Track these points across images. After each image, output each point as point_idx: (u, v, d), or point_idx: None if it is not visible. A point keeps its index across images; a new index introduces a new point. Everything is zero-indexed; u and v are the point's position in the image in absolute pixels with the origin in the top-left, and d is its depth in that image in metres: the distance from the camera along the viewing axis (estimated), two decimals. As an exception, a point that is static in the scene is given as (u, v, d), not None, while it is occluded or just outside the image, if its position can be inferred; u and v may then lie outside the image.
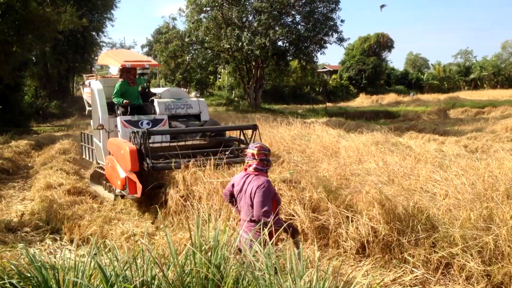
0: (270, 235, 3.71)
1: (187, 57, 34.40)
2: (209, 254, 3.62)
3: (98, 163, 10.12)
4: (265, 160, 4.34)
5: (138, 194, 7.41)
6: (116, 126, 9.34)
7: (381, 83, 57.70)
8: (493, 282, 4.34)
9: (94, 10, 33.52)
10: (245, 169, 4.44)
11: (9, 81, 22.87)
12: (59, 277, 3.52)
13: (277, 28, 28.92)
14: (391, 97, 43.67)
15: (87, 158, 11.40)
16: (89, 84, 10.57)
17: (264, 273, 3.35)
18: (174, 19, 35.33)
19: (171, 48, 31.62)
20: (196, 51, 32.98)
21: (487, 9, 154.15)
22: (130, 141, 8.03)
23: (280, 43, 31.53)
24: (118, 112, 9.55)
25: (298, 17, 31.16)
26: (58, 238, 7.08)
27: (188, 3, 30.76)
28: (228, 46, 28.85)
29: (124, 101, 9.49)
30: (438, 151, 11.02)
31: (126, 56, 10.41)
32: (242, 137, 8.89)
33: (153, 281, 3.46)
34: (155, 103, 10.03)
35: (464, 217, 4.94)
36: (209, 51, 32.13)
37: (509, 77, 64.98)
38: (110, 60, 10.57)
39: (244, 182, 4.34)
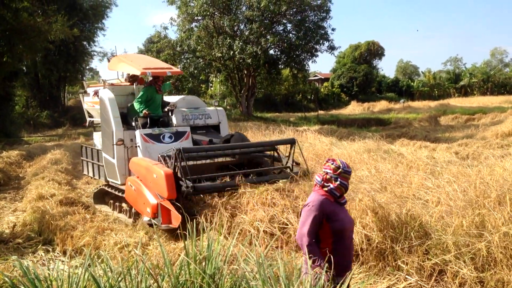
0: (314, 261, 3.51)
1: (179, 66, 34.44)
2: (204, 264, 3.62)
3: (108, 182, 9.20)
4: (328, 173, 3.70)
5: (175, 225, 6.38)
6: (132, 140, 8.53)
7: (372, 91, 58.02)
8: (486, 288, 4.37)
9: (85, 20, 33.51)
10: None
11: (0, 91, 22.76)
12: (53, 289, 3.49)
13: (268, 37, 29.04)
14: (382, 105, 43.90)
15: (91, 175, 10.31)
16: (95, 93, 9.73)
17: (258, 283, 3.35)
18: (165, 28, 35.34)
19: (163, 57, 31.62)
20: (187, 60, 33.02)
21: (475, 17, 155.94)
22: (160, 162, 7.25)
23: (271, 51, 31.67)
24: (136, 124, 8.60)
25: (289, 26, 31.34)
26: (50, 249, 7.03)
27: (180, 12, 30.83)
28: (219, 54, 28.92)
29: (144, 111, 8.56)
30: (430, 158, 11.10)
31: (144, 62, 9.38)
32: (275, 153, 8.26)
33: (147, 292, 3.45)
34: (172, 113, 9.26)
35: (456, 224, 4.98)
36: (201, 60, 32.19)
37: (498, 84, 65.59)
38: (125, 66, 9.35)
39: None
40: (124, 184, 8.30)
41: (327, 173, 3.70)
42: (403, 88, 61.73)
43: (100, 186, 9.67)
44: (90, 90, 10.28)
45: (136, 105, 8.69)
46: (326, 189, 3.68)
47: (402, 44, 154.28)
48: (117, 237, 7.06)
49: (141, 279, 3.52)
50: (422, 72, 75.16)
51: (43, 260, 6.50)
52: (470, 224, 4.92)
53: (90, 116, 10.68)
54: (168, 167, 6.99)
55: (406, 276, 4.78)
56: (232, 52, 28.23)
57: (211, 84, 47.51)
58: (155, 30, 40.06)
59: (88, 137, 22.06)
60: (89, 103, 10.40)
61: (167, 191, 6.59)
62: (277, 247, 5.05)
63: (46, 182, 11.08)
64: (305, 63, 32.00)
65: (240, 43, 28.01)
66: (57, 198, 9.47)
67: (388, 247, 5.09)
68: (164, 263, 3.71)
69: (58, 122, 30.74)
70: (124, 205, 8.70)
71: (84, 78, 39.26)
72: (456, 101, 46.71)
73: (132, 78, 9.66)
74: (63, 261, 6.31)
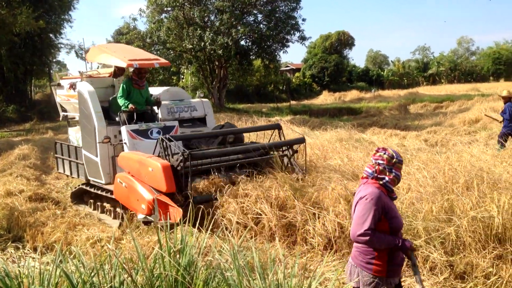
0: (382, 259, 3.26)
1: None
2: (178, 256, 3.61)
3: (88, 181, 8.71)
4: (380, 164, 3.38)
5: (175, 220, 5.77)
6: (115, 136, 8.06)
7: (343, 80, 58.59)
8: (456, 271, 4.48)
9: (51, 12, 32.63)
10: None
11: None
12: (24, 287, 3.42)
13: (239, 27, 28.89)
14: (353, 94, 44.38)
15: (67, 173, 9.78)
16: (71, 86, 9.11)
17: (233, 273, 3.36)
18: (134, 19, 34.77)
19: (133, 49, 31.16)
20: (158, 52, 32.56)
21: (442, 6, 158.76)
22: (155, 154, 6.79)
23: (242, 42, 31.54)
24: (120, 119, 8.10)
25: (260, 16, 31.23)
26: (20, 246, 6.89)
27: (149, 3, 30.35)
28: (190, 46, 28.64)
29: (130, 105, 8.00)
30: (400, 145, 11.31)
31: (128, 53, 8.79)
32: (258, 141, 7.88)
33: (121, 287, 3.41)
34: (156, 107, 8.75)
35: (426, 209, 5.09)
36: (171, 52, 31.81)
37: (465, 72, 67.10)
38: (107, 57, 8.62)
39: (356, 192, 3.53)
40: (109, 184, 7.97)
41: (379, 164, 3.38)
42: (373, 77, 62.53)
43: (79, 185, 9.18)
44: (65, 83, 9.69)
45: (120, 101, 8.12)
46: (381, 182, 3.36)
47: (371, 34, 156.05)
48: (89, 232, 6.96)
49: (114, 273, 3.48)
50: (391, 61, 76.33)
51: (13, 257, 6.37)
52: (439, 209, 5.03)
53: (64, 110, 10.12)
54: (165, 156, 6.57)
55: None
56: (202, 43, 28.00)
57: (182, 76, 47.09)
58: (124, 22, 39.45)
59: (56, 131, 21.62)
60: (62, 97, 9.83)
61: (166, 184, 6.15)
62: (251, 238, 5.07)
63: (14, 178, 10.84)
64: (276, 53, 31.98)
65: (211, 34, 27.79)
66: (26, 194, 9.28)
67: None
68: (138, 257, 3.68)
69: (25, 117, 29.96)
70: (106, 205, 8.36)
71: (51, 71, 38.41)
72: (424, 90, 47.59)
73: (119, 71, 9.16)
74: (34, 258, 6.19)
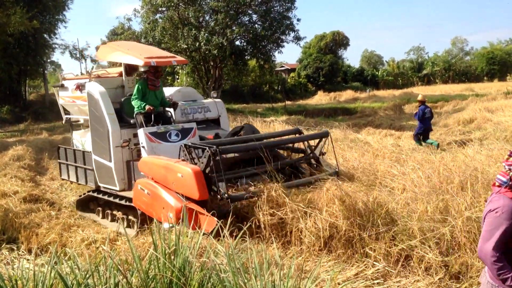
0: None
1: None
2: (173, 258, 3.60)
3: (98, 187, 8.31)
4: None
5: (208, 230, 5.13)
6: (129, 140, 7.60)
7: (338, 80, 58.64)
8: (451, 272, 4.49)
9: (45, 12, 32.53)
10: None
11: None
12: (18, 289, 3.41)
13: (234, 28, 28.87)
14: (348, 94, 44.45)
15: (73, 180, 9.25)
16: (77, 87, 8.64)
17: (228, 275, 3.35)
18: (129, 19, 34.72)
19: (127, 49, 31.09)
20: (153, 52, 32.53)
21: (437, 6, 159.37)
22: (181, 158, 6.42)
23: (237, 42, 31.50)
24: (136, 121, 7.66)
25: (255, 16, 31.21)
26: (15, 248, 6.86)
27: (143, 4, 30.27)
28: (185, 46, 28.58)
29: (147, 106, 7.58)
30: (395, 146, 11.34)
31: (142, 50, 8.41)
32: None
33: (116, 288, 3.40)
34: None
35: (421, 210, 5.10)
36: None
37: (459, 72, 67.34)
38: (121, 56, 8.17)
39: (486, 201, 3.11)
40: (123, 190, 7.67)
41: None
42: (368, 77, 62.62)
43: (87, 192, 8.71)
44: (69, 84, 9.19)
45: (135, 102, 7.69)
46: None
47: (366, 34, 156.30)
48: (84, 233, 6.95)
49: (109, 275, 3.47)
50: (386, 61, 76.43)
51: (7, 259, 6.33)
52: (434, 209, 5.05)
53: (67, 113, 9.65)
54: (192, 162, 6.22)
55: (374, 263, 4.86)
56: (197, 43, 27.96)
57: (177, 76, 47.04)
58: (119, 22, 39.39)
59: (51, 132, 21.55)
60: (66, 99, 9.32)
61: (198, 192, 5.69)
62: (245, 239, 5.05)
63: (8, 179, 10.78)
64: (271, 53, 31.97)
65: (206, 34, 27.76)
66: (21, 195, 9.25)
67: (356, 234, 5.16)
68: (133, 258, 3.67)
69: (19, 117, 29.84)
70: (117, 213, 7.96)
71: (45, 72, 38.25)
72: (419, 90, 47.67)
73: (130, 71, 8.77)
74: (28, 260, 6.15)
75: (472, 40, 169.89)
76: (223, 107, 9.13)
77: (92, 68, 10.19)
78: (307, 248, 5.36)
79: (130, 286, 3.37)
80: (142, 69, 8.06)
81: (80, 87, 8.60)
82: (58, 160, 9.68)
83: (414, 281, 4.52)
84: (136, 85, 7.83)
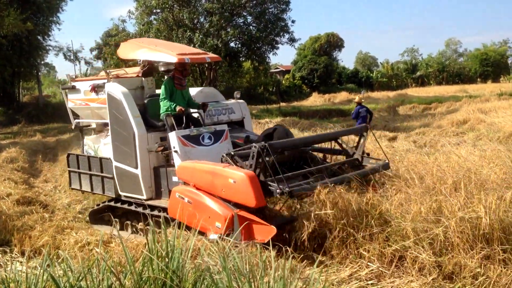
0: None
1: (139, 60, 33.83)
2: (167, 259, 3.59)
3: (120, 196, 7.74)
4: None
5: (264, 239, 5.02)
6: (157, 143, 7.15)
7: (333, 82, 58.77)
8: (444, 272, 4.50)
9: (39, 13, 32.44)
10: None
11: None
12: (10, 292, 3.39)
13: (229, 29, 28.89)
14: (343, 96, 44.55)
15: (87, 189, 8.53)
16: (93, 88, 8.07)
17: (222, 276, 3.35)
18: (123, 21, 34.61)
19: (122, 50, 31.01)
20: (147, 54, 32.49)
21: (431, 8, 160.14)
22: (224, 162, 5.87)
23: (232, 44, 31.51)
24: (167, 123, 7.14)
25: (249, 18, 31.25)
26: (8, 251, 6.82)
27: (138, 5, 30.24)
28: (180, 48, 28.59)
29: (178, 107, 7.06)
30: (389, 147, 11.37)
31: (170, 47, 7.88)
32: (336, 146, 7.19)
33: (109, 291, 3.39)
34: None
35: (415, 210, 5.11)
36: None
37: (453, 74, 67.65)
38: (148, 53, 7.62)
39: None
40: (150, 199, 7.20)
41: None
42: (363, 79, 62.81)
43: (103, 202, 8.22)
44: (82, 85, 8.59)
45: (165, 103, 7.19)
46: None
47: (361, 36, 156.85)
48: (77, 235, 6.92)
49: (102, 277, 3.46)
50: (380, 63, 76.77)
51: (0, 262, 6.30)
52: (428, 210, 5.05)
53: (76, 117, 9.07)
54: (235, 164, 5.75)
55: (368, 263, 4.87)
56: (192, 45, 27.93)
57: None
58: (113, 24, 39.31)
59: (44, 134, 21.47)
60: (78, 101, 8.70)
61: (255, 198, 5.21)
62: (240, 241, 5.05)
63: (1, 182, 10.74)
64: (266, 55, 32.03)
65: (200, 36, 27.76)
66: (14, 197, 9.20)
67: (350, 235, 5.17)
68: (126, 260, 3.66)
69: (13, 119, 29.71)
70: (140, 224, 7.38)
71: (39, 73, 38.11)
72: (413, 91, 47.93)
73: (149, 70, 8.19)
74: (21, 262, 6.13)
75: (466, 42, 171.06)
76: (246, 108, 8.72)
77: (86, 70, 10.05)
78: (301, 249, 5.36)
79: (123, 288, 3.36)
80: (162, 68, 7.57)
81: (97, 89, 8.05)
82: (69, 169, 8.97)
83: (408, 281, 4.53)
84: (163, 85, 7.32)
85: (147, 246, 3.67)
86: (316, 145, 7.35)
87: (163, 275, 3.45)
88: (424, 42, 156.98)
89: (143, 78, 8.16)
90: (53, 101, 37.67)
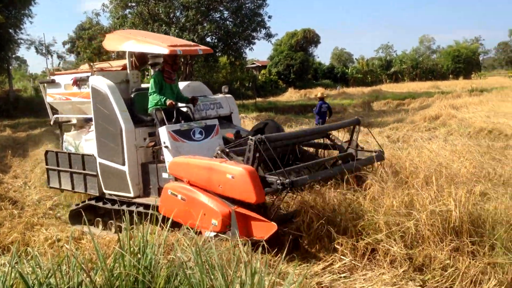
0: None
1: (113, 54, 33.36)
2: (139, 256, 3.55)
3: (104, 194, 7.44)
4: None
5: (263, 236, 4.90)
6: (145, 139, 6.99)
7: (309, 78, 59.09)
8: (415, 264, 4.58)
9: (11, 6, 31.60)
10: None
11: None
12: (-24, 290, 3.31)
13: (205, 24, 28.71)
14: (318, 91, 44.77)
15: (68, 188, 8.13)
16: (75, 82, 7.76)
17: (195, 271, 3.33)
18: (97, 14, 34.00)
19: (95, 44, 30.49)
20: (122, 48, 32.05)
21: (406, 6, 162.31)
22: (219, 158, 5.63)
23: (208, 39, 31.31)
24: (157, 118, 6.87)
25: (226, 13, 31.11)
26: (-25, 248, 6.65)
27: (112, -2, 29.79)
28: (155, 42, 28.29)
29: (168, 101, 6.82)
30: (364, 142, 11.47)
31: (159, 38, 7.59)
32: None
33: (80, 287, 3.34)
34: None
35: (387, 204, 5.17)
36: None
37: (426, 70, 68.75)
38: (137, 44, 7.24)
39: None
40: (137, 197, 6.95)
41: None
42: (338, 75, 63.32)
43: (86, 201, 7.83)
44: (62, 79, 8.25)
45: (154, 97, 6.94)
46: None
47: (336, 32, 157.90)
48: (47, 232, 6.80)
49: (72, 274, 3.40)
50: (356, 59, 77.44)
51: (-32, 260, 6.15)
52: (400, 204, 5.12)
53: (55, 112, 8.70)
54: (230, 159, 5.56)
55: (341, 257, 4.92)
56: (167, 39, 27.72)
57: (147, 73, 46.53)
58: (87, 17, 38.61)
59: (14, 130, 21.00)
60: (57, 96, 8.35)
61: (255, 194, 5.01)
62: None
63: (-31, 178, 10.46)
64: (242, 50, 31.95)
65: (176, 31, 27.49)
66: (-18, 194, 8.97)
67: (325, 230, 5.20)
68: (97, 257, 3.60)
69: (-18, 115, 28.98)
70: (124, 224, 6.94)
71: (10, 67, 37.23)
72: (387, 87, 48.51)
73: (140, 63, 7.88)
74: (-11, 260, 6.00)
75: (439, 39, 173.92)
76: (234, 103, 8.54)
77: (58, 64, 9.80)
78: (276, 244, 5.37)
79: (93, 284, 3.30)
80: (150, 61, 7.35)
81: (79, 82, 7.76)
82: (47, 167, 8.57)
83: (380, 273, 4.59)
84: (152, 78, 7.11)
85: (118, 242, 3.61)
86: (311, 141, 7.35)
87: (135, 271, 3.41)
88: (398, 39, 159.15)
89: (128, 72, 7.82)
90: (24, 95, 36.85)
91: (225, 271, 3.33)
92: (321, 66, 65.95)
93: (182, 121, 6.84)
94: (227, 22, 30.92)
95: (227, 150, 5.67)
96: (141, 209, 6.62)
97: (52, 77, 8.46)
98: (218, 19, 30.96)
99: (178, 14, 29.96)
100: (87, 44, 31.43)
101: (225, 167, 5.30)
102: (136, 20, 29.05)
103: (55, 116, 8.61)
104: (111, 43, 8.00)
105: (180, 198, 5.73)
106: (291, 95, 44.87)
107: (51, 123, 8.71)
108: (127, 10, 30.44)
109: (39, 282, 3.26)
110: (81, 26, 41.59)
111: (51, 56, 42.49)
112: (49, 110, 8.72)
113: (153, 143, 6.66)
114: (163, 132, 6.48)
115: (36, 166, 11.76)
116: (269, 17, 31.51)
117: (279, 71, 55.72)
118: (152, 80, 7.03)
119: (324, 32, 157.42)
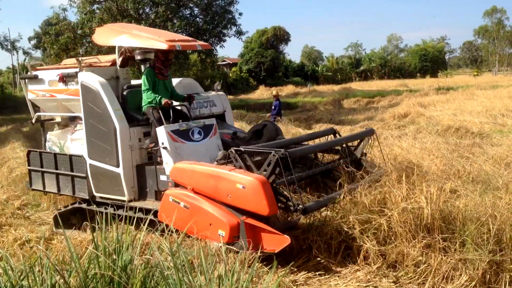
0: None
1: (81, 50, 32.70)
2: (114, 256, 3.50)
3: (94, 197, 7.00)
4: None
5: (275, 249, 4.66)
6: (139, 140, 6.64)
7: (280, 75, 59.36)
8: (388, 261, 4.66)
9: (-27, -1, 30.63)
10: None
11: None
12: None
13: (175, 21, 28.46)
14: (289, 89, 45.07)
15: (54, 190, 7.71)
16: (61, 78, 7.32)
17: (172, 272, 3.30)
18: (64, 9, 33.20)
19: (63, 40, 29.81)
20: (90, 44, 31.44)
21: (374, 4, 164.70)
22: (226, 164, 5.36)
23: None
24: (153, 117, 6.50)
25: (196, 10, 30.92)
26: None
27: (80, -7, 29.18)
28: (124, 38, 27.86)
29: (164, 100, 6.50)
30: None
31: (153, 33, 7.19)
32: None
33: (53, 289, 3.27)
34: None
35: (360, 202, 5.24)
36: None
37: (394, 68, 70.03)
38: (131, 39, 6.82)
39: None
40: (133, 200, 6.58)
41: None
42: (309, 72, 63.84)
43: (73, 204, 7.40)
44: (46, 75, 7.80)
45: (149, 95, 6.62)
46: None
47: (306, 30, 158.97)
48: (16, 232, 6.63)
49: (46, 275, 3.33)
50: (326, 57, 78.24)
51: None
52: (372, 201, 5.20)
53: (37, 110, 8.23)
54: (246, 167, 5.21)
55: (315, 253, 4.95)
56: (137, 36, 27.34)
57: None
58: (53, 12, 37.61)
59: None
60: (41, 93, 7.89)
61: (268, 206, 4.75)
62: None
63: None
64: (213, 48, 31.83)
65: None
66: None
67: (300, 230, 5.23)
68: (71, 257, 3.53)
69: None
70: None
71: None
72: (357, 85, 49.21)
73: (130, 58, 7.41)
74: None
75: (407, 38, 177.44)
76: (227, 100, 8.21)
77: (24, 60, 9.47)
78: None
79: (68, 286, 3.24)
80: (139, 57, 6.99)
81: (66, 78, 7.29)
82: (29, 167, 8.09)
83: (354, 270, 4.66)
84: (144, 75, 6.71)
85: (93, 243, 3.55)
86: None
87: (110, 271, 3.36)
88: (367, 38, 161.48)
89: (118, 68, 7.44)
90: (-12, 92, 35.80)
91: (202, 271, 3.32)
92: (291, 64, 66.34)
93: (180, 120, 6.48)
94: (198, 19, 30.74)
95: (244, 149, 5.29)
96: (140, 214, 6.16)
97: (35, 73, 7.97)
98: (188, 16, 30.74)
99: (147, 10, 29.60)
100: (54, 40, 30.69)
101: (234, 177, 5.01)
102: (105, 16, 28.55)
103: (37, 114, 8.17)
104: (102, 37, 7.60)
105: (183, 206, 5.42)
106: (262, 93, 44.99)
107: (33, 121, 8.22)
108: (95, 6, 29.88)
109: (11, 284, 3.18)
110: (47, 22, 40.62)
111: (17, 52, 41.35)
112: (30, 108, 8.24)
113: (153, 144, 6.29)
114: (162, 133, 6.16)
115: (3, 165, 11.44)
116: (240, 14, 31.40)
117: (250, 68, 55.79)
118: (144, 77, 6.70)
119: (294, 30, 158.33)
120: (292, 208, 4.94)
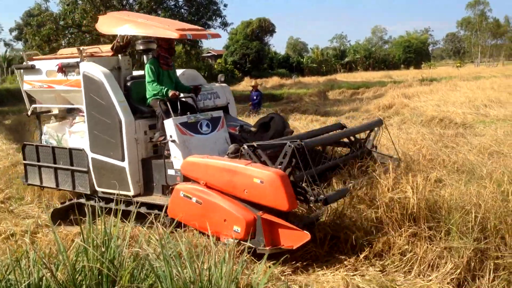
0: None
1: (63, 42, 32.23)
2: (102, 249, 3.48)
3: (95, 192, 6.78)
4: None
5: (294, 245, 4.61)
6: (145, 133, 6.47)
7: (265, 67, 59.28)
8: (375, 250, 4.71)
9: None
10: None
11: None
12: None
13: (159, 12, 28.19)
14: (274, 81, 45.00)
15: (52, 185, 7.43)
16: (60, 68, 7.00)
17: (161, 264, 3.30)
18: (46, 0, 32.71)
19: (45, 31, 29.35)
20: (72, 35, 31.01)
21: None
22: (240, 158, 5.21)
23: (163, 27, 30.83)
24: (161, 109, 6.29)
25: (180, 1, 30.70)
26: None
27: (62, -17, 28.73)
28: (107, 29, 27.53)
29: (171, 92, 6.29)
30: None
31: (159, 21, 6.98)
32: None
33: (41, 283, 3.24)
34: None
35: (355, 194, 5.27)
36: (88, 36, 30.38)
37: (379, 60, 70.41)
38: (138, 28, 6.61)
39: None
40: (138, 195, 6.41)
41: None
42: (294, 64, 63.84)
43: (70, 200, 7.18)
44: (44, 65, 7.49)
45: (154, 87, 6.41)
46: None
47: (291, 22, 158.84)
48: (1, 226, 6.54)
49: (33, 269, 3.30)
50: (310, 48, 78.37)
51: None
52: (365, 193, 5.24)
53: (33, 101, 7.93)
54: (260, 161, 5.07)
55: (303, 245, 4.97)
56: (121, 27, 27.02)
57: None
58: (35, 2, 36.92)
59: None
60: (37, 84, 7.55)
61: (287, 201, 4.62)
62: (178, 228, 4.98)
63: None
64: (198, 39, 31.63)
65: (130, 18, 26.90)
66: None
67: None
68: (58, 250, 3.51)
69: None
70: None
71: None
72: (342, 77, 49.30)
73: (124, 48, 7.15)
74: None
75: (391, 30, 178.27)
76: (230, 93, 8.06)
77: (6, 52, 9.31)
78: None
79: (55, 279, 3.22)
80: (141, 47, 6.87)
81: (65, 69, 7.00)
82: (24, 162, 7.77)
83: (342, 259, 4.70)
84: (147, 66, 6.52)
85: (80, 236, 3.53)
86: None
87: (99, 264, 3.34)
88: (352, 29, 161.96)
89: (120, 58, 7.12)
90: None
91: (192, 262, 3.32)
92: (276, 55, 66.28)
93: (188, 112, 6.30)
94: (182, 10, 30.55)
95: (255, 145, 5.14)
96: (144, 209, 6.03)
97: (31, 63, 7.61)
98: (172, 7, 30.50)
99: (131, 1, 29.28)
100: (36, 31, 30.20)
101: (251, 171, 4.84)
102: (88, 7, 28.19)
103: (33, 106, 7.84)
104: (106, 26, 7.31)
105: (195, 201, 5.25)
106: (247, 85, 44.73)
107: (28, 113, 7.91)
108: (78, -4, 29.47)
109: (-2, 278, 3.16)
110: (29, 12, 39.94)
111: (-3, 43, 40.64)
112: (26, 99, 7.88)
113: (163, 137, 6.09)
114: (170, 125, 5.96)
115: (-14, 158, 11.26)
116: (225, 5, 31.24)
117: (235, 60, 55.63)
118: (147, 68, 6.49)
119: (279, 21, 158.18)
120: (312, 199, 4.80)
